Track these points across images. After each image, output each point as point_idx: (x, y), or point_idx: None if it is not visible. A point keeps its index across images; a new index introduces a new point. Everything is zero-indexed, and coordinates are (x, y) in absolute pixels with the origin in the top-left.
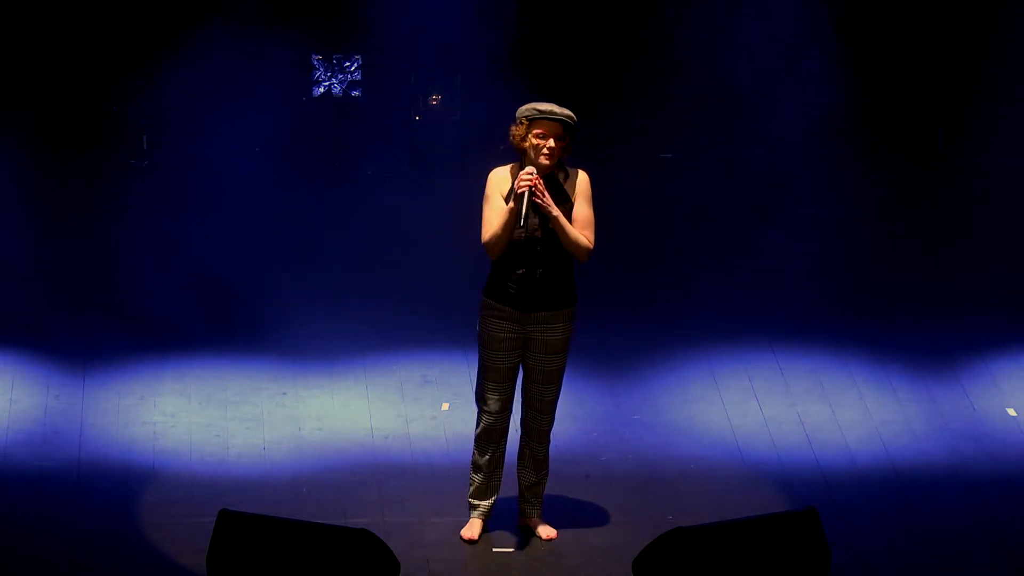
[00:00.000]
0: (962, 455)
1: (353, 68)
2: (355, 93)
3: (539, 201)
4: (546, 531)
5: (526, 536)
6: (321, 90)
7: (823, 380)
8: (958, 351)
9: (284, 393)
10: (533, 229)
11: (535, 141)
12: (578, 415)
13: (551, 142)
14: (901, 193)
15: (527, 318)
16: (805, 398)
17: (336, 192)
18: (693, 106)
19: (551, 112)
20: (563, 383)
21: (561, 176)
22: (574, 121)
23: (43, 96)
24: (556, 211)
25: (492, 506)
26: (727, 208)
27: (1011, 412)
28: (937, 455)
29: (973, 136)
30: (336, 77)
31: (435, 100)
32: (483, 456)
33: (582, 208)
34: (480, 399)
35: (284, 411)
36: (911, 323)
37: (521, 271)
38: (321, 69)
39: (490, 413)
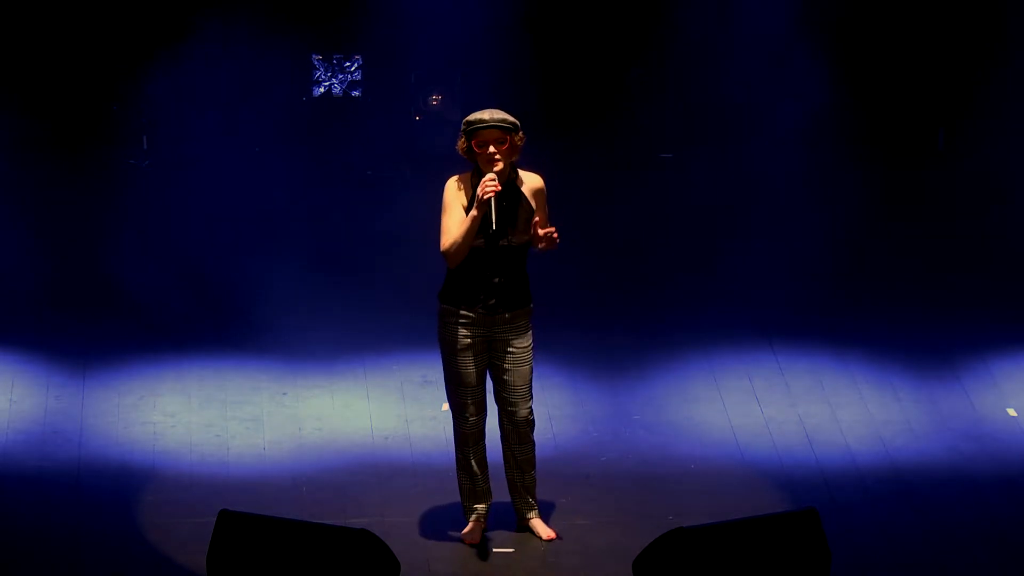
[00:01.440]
0: (962, 455)
1: (353, 68)
2: (355, 93)
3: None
4: (546, 531)
5: (526, 536)
6: (321, 90)
7: (823, 380)
8: (958, 351)
9: (284, 393)
10: (498, 235)
11: (477, 151)
12: (578, 415)
13: (491, 149)
14: (901, 193)
15: (490, 320)
16: (805, 398)
17: (336, 192)
18: (693, 106)
19: (480, 121)
20: (565, 383)
21: (514, 176)
22: (509, 123)
23: (43, 96)
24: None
25: (489, 507)
26: (727, 207)
27: (1011, 412)
28: (937, 455)
29: (973, 136)
30: (336, 77)
31: (435, 100)
32: (467, 460)
33: (544, 213)
34: (454, 406)
35: (284, 411)
36: (911, 323)
37: (484, 275)
38: (321, 69)
39: (467, 419)
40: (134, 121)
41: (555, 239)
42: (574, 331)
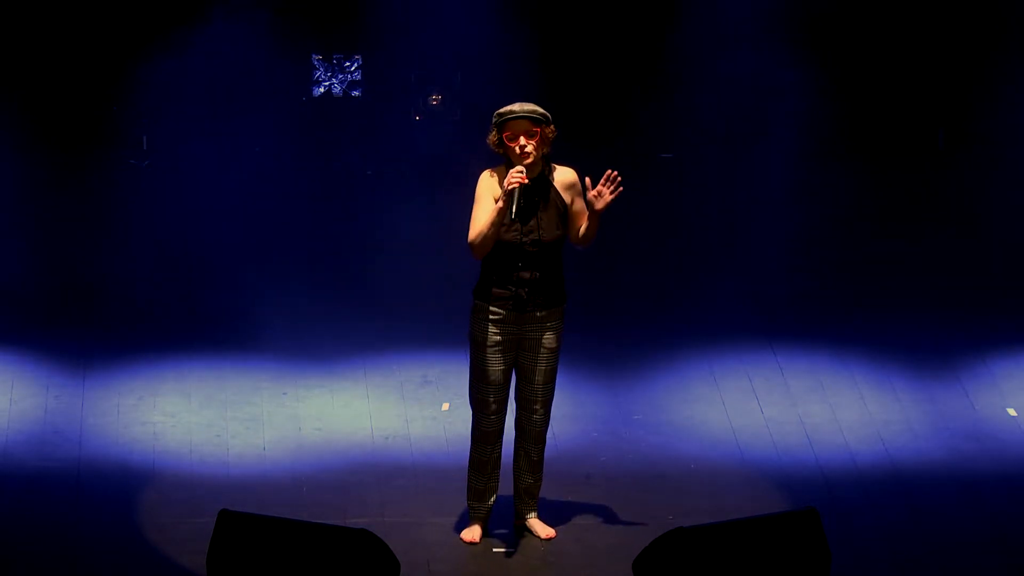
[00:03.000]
0: (962, 455)
1: (353, 68)
2: (355, 93)
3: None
4: (545, 530)
5: (526, 536)
6: (321, 90)
7: (823, 380)
8: (958, 351)
9: (284, 393)
10: (528, 231)
11: (508, 144)
12: (578, 415)
13: (522, 140)
14: (901, 193)
15: (523, 319)
16: (805, 398)
17: (336, 192)
18: (694, 106)
19: (511, 112)
20: (565, 383)
21: (547, 171)
22: (539, 114)
23: (43, 96)
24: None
25: (491, 508)
26: (727, 208)
27: (1011, 412)
28: (937, 455)
29: (973, 136)
30: (336, 77)
31: (435, 100)
32: (481, 459)
33: (581, 203)
34: (476, 403)
35: (284, 411)
36: (911, 323)
37: (517, 272)
38: (321, 69)
39: (487, 417)
40: (134, 121)
41: (605, 196)
42: (574, 331)
